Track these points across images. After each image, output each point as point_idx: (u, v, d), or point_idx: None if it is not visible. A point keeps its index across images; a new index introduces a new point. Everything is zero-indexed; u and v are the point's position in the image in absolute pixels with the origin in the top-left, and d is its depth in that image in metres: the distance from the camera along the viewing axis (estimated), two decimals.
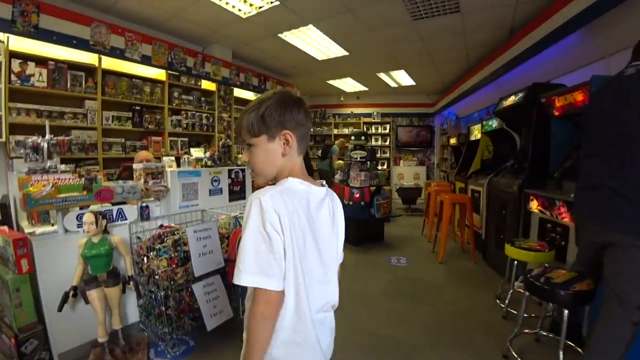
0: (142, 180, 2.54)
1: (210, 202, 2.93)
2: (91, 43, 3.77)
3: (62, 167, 2.35)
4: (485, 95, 6.27)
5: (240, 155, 3.19)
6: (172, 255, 2.17)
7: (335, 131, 10.01)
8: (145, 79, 4.36)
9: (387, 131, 10.08)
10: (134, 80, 4.22)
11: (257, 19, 4.31)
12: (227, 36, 5.10)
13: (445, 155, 9.42)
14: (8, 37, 3.24)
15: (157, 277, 2.12)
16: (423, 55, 5.92)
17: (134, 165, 2.59)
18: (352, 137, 5.24)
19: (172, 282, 2.14)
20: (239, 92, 5.91)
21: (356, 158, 4.96)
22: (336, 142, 7.76)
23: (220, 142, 3.26)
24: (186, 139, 4.83)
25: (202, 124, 5.10)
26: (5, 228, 2.06)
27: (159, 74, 4.59)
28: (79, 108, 3.72)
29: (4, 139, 3.21)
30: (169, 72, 4.60)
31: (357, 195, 4.66)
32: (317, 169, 7.74)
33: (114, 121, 4.04)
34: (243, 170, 3.23)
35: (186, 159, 2.78)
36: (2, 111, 3.22)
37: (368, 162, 5.05)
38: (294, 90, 0.93)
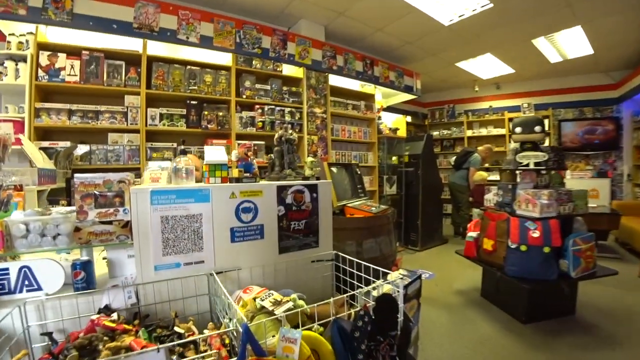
0: (76, 209, 1.20)
1: (233, 257, 1.39)
2: (135, 26, 2.90)
3: None
4: None
5: (310, 160, 1.61)
6: None
7: (469, 132, 7.54)
8: (205, 66, 3.31)
9: (546, 129, 6.98)
10: (190, 67, 3.21)
11: None
12: (315, 3, 3.72)
13: None
14: (37, 28, 2.58)
15: None
16: None
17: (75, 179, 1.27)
18: (517, 129, 2.96)
19: None
20: (336, 80, 4.43)
21: (527, 164, 2.74)
22: (479, 148, 5.49)
23: (279, 132, 1.72)
24: (262, 142, 3.56)
25: (284, 121, 3.77)
26: None
27: (224, 60, 3.50)
28: (117, 105, 2.87)
29: None
30: (236, 55, 3.47)
31: (537, 235, 2.43)
32: (449, 182, 5.61)
33: (163, 120, 3.06)
34: (315, 188, 1.61)
35: (175, 166, 1.31)
36: (26, 113, 2.53)
37: (546, 173, 2.75)
38: None
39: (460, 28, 4.33)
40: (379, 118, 5.10)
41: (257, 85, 3.60)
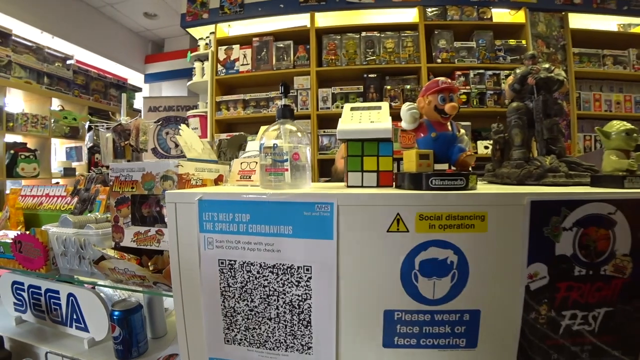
0: (112, 222, 0.65)
1: None
2: (301, 0, 2.50)
3: None
4: None
5: (624, 125, 0.56)
6: None
7: None
8: (385, 28, 2.53)
9: None
10: (366, 34, 2.52)
11: None
12: None
13: None
14: (216, 26, 2.62)
15: None
16: None
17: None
18: None
19: None
20: (582, 21, 2.68)
21: None
22: None
23: (521, 70, 0.71)
24: (468, 123, 2.44)
25: (500, 91, 2.47)
26: None
27: (409, 17, 2.61)
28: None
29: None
30: (424, 8, 2.51)
31: None
32: None
33: (337, 102, 2.52)
34: None
35: (263, 142, 0.54)
36: (209, 107, 2.57)
37: None
38: None
39: None
40: None
41: (457, 44, 2.51)
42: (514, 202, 0.51)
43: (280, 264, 0.52)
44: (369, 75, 2.52)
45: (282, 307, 0.52)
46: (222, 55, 2.57)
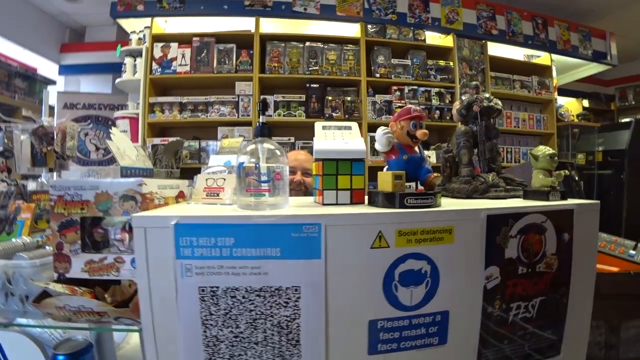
0: (53, 250, 0.56)
1: None
2: (246, 4, 2.47)
3: None
4: None
5: (545, 151, 0.68)
6: None
7: None
8: (328, 40, 2.62)
9: None
10: (309, 44, 2.57)
11: None
12: None
13: None
14: (152, 20, 2.42)
15: None
16: None
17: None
18: None
19: None
20: (497, 49, 3.14)
21: None
22: None
23: (465, 99, 0.83)
24: None
25: (431, 106, 2.74)
26: None
27: (351, 32, 2.75)
28: (228, 95, 2.45)
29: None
30: (366, 24, 2.67)
31: None
32: None
33: (279, 109, 2.51)
34: (568, 221, 0.62)
35: (240, 161, 0.53)
36: (141, 108, 2.35)
37: None
38: None
39: None
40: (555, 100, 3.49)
41: (394, 61, 2.71)
42: (474, 216, 0.59)
43: (267, 287, 0.51)
44: (312, 85, 2.57)
45: (269, 329, 0.52)
46: (158, 53, 2.37)
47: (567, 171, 0.83)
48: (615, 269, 1.19)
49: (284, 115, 2.52)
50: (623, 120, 4.55)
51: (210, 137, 2.48)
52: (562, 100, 4.33)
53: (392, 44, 2.72)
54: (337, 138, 0.66)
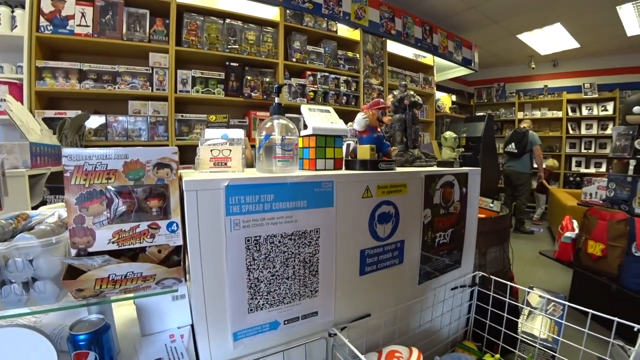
0: (70, 226, 0.59)
1: (361, 298, 0.79)
2: None
3: None
4: None
5: (451, 135, 0.96)
6: None
7: (520, 115, 6.68)
8: (247, 20, 2.64)
9: (610, 113, 6.07)
10: (229, 22, 2.54)
11: None
12: None
13: None
14: None
15: None
16: None
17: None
18: (636, 109, 2.18)
19: None
20: (394, 47, 3.69)
21: None
22: (523, 126, 4.84)
23: (397, 94, 1.12)
24: None
25: (339, 92, 3.08)
26: None
27: (270, 14, 2.82)
28: (140, 66, 2.24)
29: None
30: (285, 9, 2.78)
31: None
32: (505, 170, 4.90)
33: (196, 85, 2.43)
34: (465, 181, 0.97)
35: (263, 135, 0.67)
36: (25, 73, 1.94)
37: None
38: None
39: None
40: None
41: (309, 47, 2.91)
42: (418, 176, 0.87)
43: (297, 231, 0.68)
44: (231, 64, 2.56)
45: (297, 265, 0.69)
46: (47, 7, 1.95)
47: (463, 149, 1.25)
48: (482, 216, 1.76)
49: (202, 92, 2.45)
50: (479, 114, 5.98)
51: (117, 112, 2.23)
52: (438, 95, 5.38)
53: (307, 31, 2.91)
54: (323, 118, 0.84)
